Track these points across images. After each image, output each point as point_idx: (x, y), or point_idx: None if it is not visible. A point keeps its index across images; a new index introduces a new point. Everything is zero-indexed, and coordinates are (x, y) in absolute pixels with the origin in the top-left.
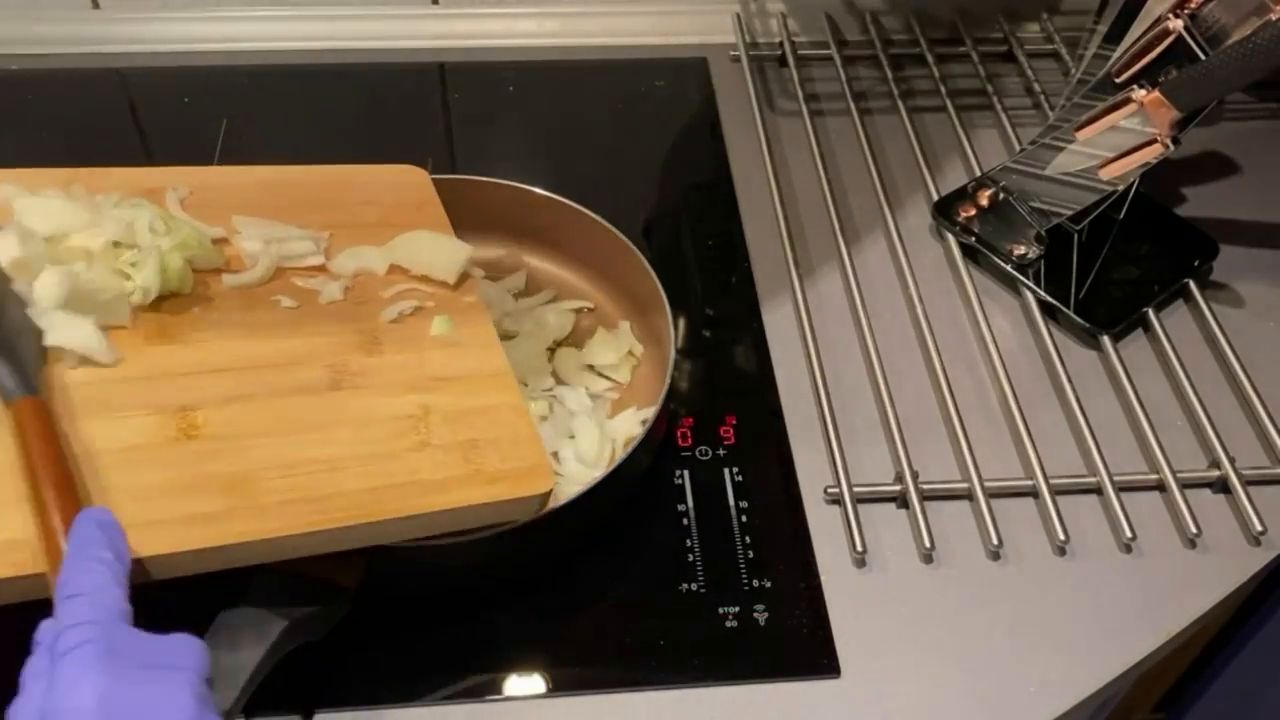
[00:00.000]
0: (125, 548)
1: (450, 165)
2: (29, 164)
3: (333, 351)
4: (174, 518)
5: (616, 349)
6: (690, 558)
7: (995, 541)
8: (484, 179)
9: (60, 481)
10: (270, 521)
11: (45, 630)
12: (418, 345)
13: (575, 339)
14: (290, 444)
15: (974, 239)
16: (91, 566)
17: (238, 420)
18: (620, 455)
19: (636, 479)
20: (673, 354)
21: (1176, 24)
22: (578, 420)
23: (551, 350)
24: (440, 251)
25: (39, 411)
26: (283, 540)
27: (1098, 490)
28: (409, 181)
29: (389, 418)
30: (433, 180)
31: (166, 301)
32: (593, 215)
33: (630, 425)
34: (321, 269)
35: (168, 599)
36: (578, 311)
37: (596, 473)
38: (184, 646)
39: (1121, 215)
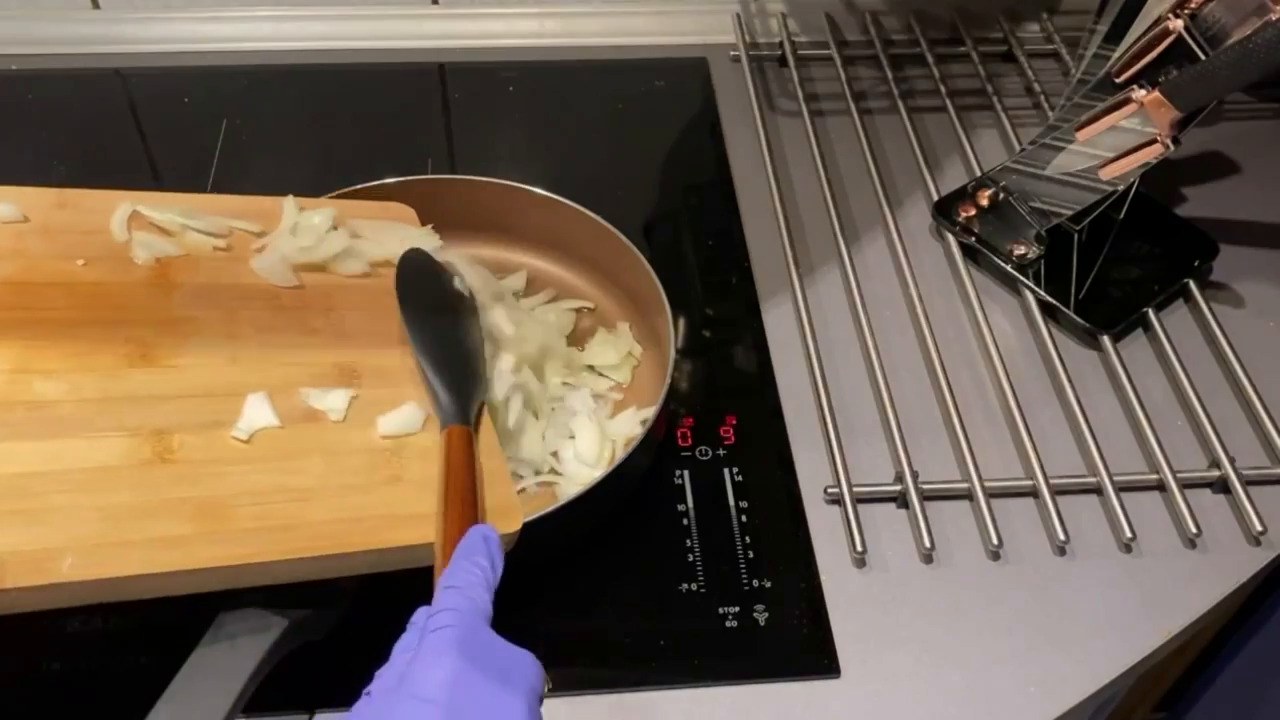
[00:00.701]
0: (500, 559)
1: (450, 165)
2: (29, 164)
3: (311, 383)
4: (143, 539)
5: (617, 349)
6: (690, 558)
7: (995, 541)
8: (484, 179)
9: (468, 498)
10: (238, 548)
11: (420, 614)
12: (395, 380)
13: (575, 339)
14: (264, 472)
15: (974, 239)
16: (469, 567)
17: (212, 446)
18: (620, 455)
19: (636, 479)
20: (673, 354)
21: (1176, 24)
22: (578, 420)
23: None
24: None
25: (465, 438)
26: (249, 568)
27: (1098, 490)
28: (396, 219)
29: (362, 450)
30: (432, 180)
31: (150, 325)
32: (592, 215)
33: (630, 425)
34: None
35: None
36: (577, 311)
37: (597, 473)
38: (528, 662)
39: (1121, 215)
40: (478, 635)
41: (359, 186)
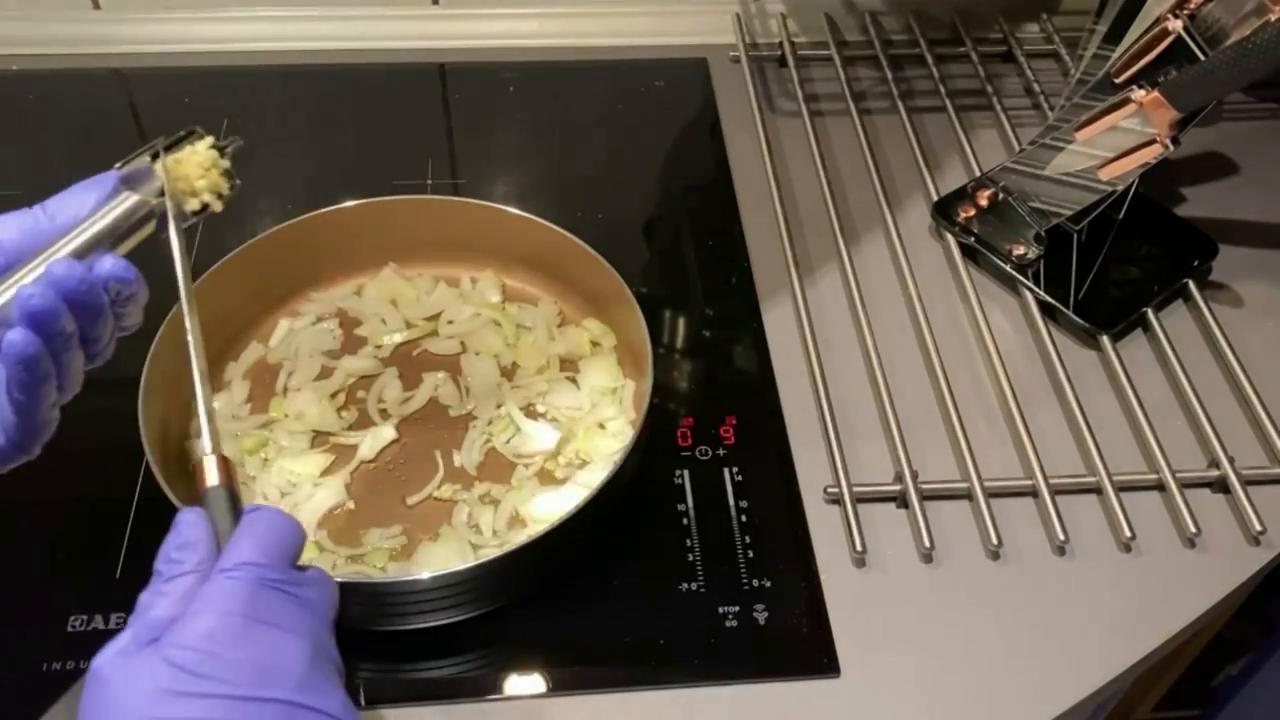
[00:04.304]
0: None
1: (450, 165)
2: (29, 164)
3: None
4: None
5: (609, 376)
6: (690, 558)
7: (995, 541)
8: (448, 198)
9: None
10: None
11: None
12: None
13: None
14: None
15: (974, 239)
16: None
17: None
18: (618, 457)
19: (628, 483)
20: (650, 369)
21: (1176, 24)
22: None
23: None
24: None
25: None
26: None
27: (1097, 490)
28: None
29: None
30: (392, 201)
31: None
32: (562, 231)
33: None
34: None
35: None
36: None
37: (595, 476)
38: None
39: (1121, 215)
40: (266, 590)
41: (320, 211)
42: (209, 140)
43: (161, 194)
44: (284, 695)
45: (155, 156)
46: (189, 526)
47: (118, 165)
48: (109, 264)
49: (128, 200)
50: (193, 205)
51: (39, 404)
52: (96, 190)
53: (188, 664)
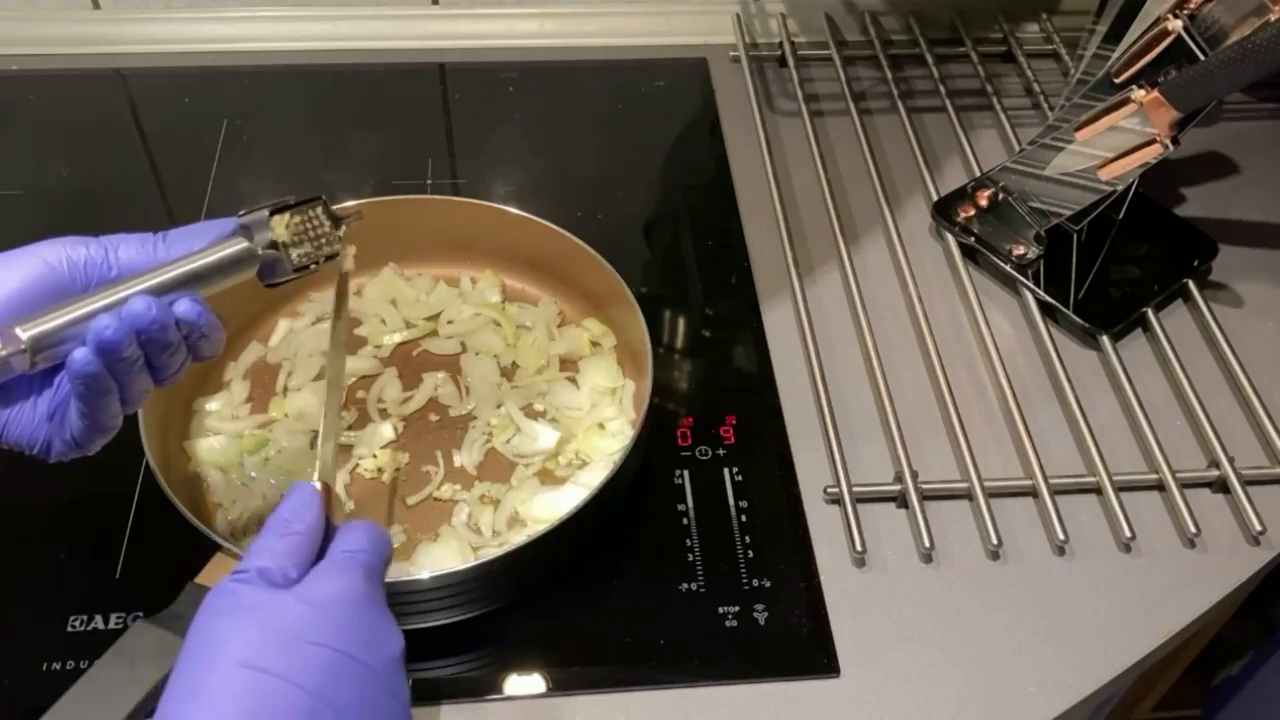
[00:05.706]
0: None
1: (450, 165)
2: (29, 164)
3: None
4: None
5: (609, 376)
6: (690, 558)
7: (995, 541)
8: (447, 198)
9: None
10: None
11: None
12: None
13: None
14: None
15: (973, 239)
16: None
17: None
18: (618, 457)
19: (628, 483)
20: (650, 368)
21: (1176, 24)
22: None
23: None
24: None
25: None
26: None
27: (1097, 490)
28: None
29: None
30: (391, 201)
31: None
32: (562, 231)
33: (618, 430)
34: None
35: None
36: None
37: (595, 476)
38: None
39: (1121, 215)
40: (377, 578)
41: None
42: (330, 209)
43: (270, 246)
44: (381, 669)
45: (274, 212)
46: (303, 494)
47: (240, 213)
48: (184, 306)
49: (236, 245)
50: (304, 261)
51: (101, 413)
52: (215, 231)
53: (316, 615)
